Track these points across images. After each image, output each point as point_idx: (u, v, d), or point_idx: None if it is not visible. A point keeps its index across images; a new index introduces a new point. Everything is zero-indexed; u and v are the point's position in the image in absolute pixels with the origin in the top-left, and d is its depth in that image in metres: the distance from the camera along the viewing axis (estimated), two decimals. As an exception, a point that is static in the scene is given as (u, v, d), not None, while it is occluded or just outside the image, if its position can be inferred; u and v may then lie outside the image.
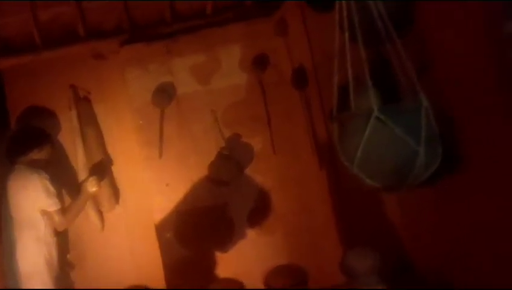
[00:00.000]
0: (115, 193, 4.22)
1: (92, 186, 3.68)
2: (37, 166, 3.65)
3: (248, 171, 4.03)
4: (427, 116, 2.33)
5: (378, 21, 2.39)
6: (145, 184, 4.04)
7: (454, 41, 2.57)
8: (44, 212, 3.55)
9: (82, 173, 4.06)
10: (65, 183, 4.04)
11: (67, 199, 3.95)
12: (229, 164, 3.94)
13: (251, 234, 3.98)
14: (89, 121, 4.17)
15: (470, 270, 2.74)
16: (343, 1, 2.40)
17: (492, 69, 2.39)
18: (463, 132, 2.61)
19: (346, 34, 2.47)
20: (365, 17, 2.49)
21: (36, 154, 3.73)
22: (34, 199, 3.55)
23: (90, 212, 4.14)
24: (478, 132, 2.52)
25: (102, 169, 4.05)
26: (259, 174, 4.04)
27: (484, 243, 2.59)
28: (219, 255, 3.97)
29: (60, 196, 3.75)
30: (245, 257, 3.93)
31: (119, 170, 4.21)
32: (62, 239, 3.86)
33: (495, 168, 2.44)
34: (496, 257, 2.54)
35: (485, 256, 2.61)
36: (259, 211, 4.02)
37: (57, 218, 3.56)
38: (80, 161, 4.13)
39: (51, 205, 3.55)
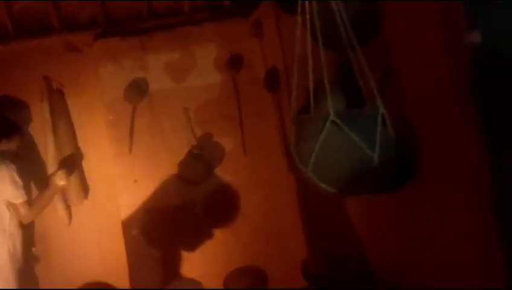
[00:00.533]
0: (84, 188, 4.23)
1: (60, 180, 3.69)
2: (5, 157, 3.66)
3: (218, 171, 4.05)
4: (383, 122, 2.36)
5: (340, 26, 2.42)
6: (114, 180, 4.04)
7: (419, 49, 2.61)
8: (10, 204, 3.56)
9: (52, 166, 4.07)
10: (34, 175, 4.06)
11: (36, 192, 3.96)
12: (199, 163, 3.96)
13: (218, 234, 3.99)
14: (61, 114, 4.18)
15: (427, 276, 2.78)
16: (306, 1, 2.44)
17: (454, 79, 2.43)
18: (425, 140, 2.65)
19: (308, 38, 2.51)
20: (330, 20, 2.53)
21: (5, 145, 3.74)
22: (0, 190, 3.55)
23: (58, 206, 4.15)
24: (439, 141, 2.57)
25: (72, 163, 4.05)
26: (228, 174, 4.06)
27: (442, 249, 2.63)
28: (185, 254, 3.98)
29: (27, 188, 3.76)
30: (211, 257, 3.95)
31: (90, 164, 4.22)
32: (28, 232, 3.87)
33: (454, 176, 2.48)
34: (453, 264, 2.58)
35: (443, 262, 2.65)
36: (227, 211, 4.04)
37: (22, 210, 3.57)
38: (49, 154, 4.14)
39: (17, 197, 3.56)
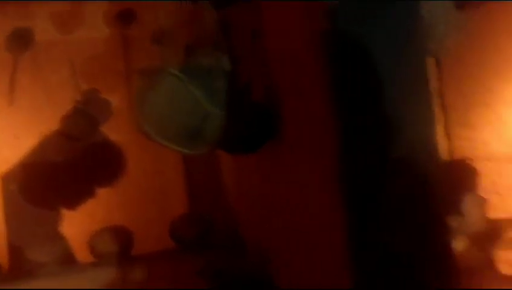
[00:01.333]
0: (-34, 140, 4.04)
1: None
2: None
3: (103, 128, 3.93)
4: (231, 80, 2.29)
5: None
6: (-5, 133, 3.88)
7: (283, 13, 2.54)
8: None
9: None
10: None
11: None
12: (84, 119, 3.85)
13: (100, 193, 3.88)
14: None
15: (289, 242, 2.75)
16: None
17: (313, 42, 2.38)
18: (286, 103, 2.60)
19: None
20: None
21: None
22: None
23: None
24: (300, 104, 2.52)
25: None
26: (114, 132, 3.95)
27: (295, 218, 2.61)
28: (66, 213, 3.86)
29: None
30: (92, 217, 3.86)
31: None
32: None
33: (309, 142, 2.45)
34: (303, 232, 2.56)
35: (296, 230, 2.63)
36: (111, 170, 3.93)
37: None
38: None
39: None
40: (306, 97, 2.48)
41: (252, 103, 2.53)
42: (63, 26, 3.92)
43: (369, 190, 2.26)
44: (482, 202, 2.91)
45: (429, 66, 3.99)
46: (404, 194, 2.31)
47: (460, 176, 3.03)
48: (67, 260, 3.54)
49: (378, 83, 2.34)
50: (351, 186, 2.25)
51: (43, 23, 3.88)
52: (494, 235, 3.03)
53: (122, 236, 3.42)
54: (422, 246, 2.32)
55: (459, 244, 2.84)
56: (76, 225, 3.84)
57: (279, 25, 2.61)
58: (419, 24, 2.51)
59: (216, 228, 3.30)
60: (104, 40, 3.97)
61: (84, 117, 3.83)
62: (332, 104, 2.30)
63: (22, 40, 3.85)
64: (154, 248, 3.45)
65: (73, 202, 3.86)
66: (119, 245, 3.33)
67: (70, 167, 3.87)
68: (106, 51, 3.96)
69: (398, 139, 2.31)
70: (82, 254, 3.66)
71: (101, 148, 3.92)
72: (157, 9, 3.88)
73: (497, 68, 3.83)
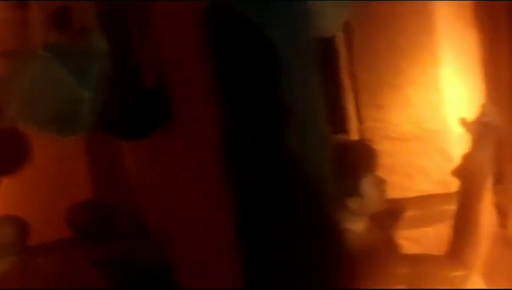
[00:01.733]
0: None
1: None
2: None
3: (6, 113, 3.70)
4: (112, 63, 2.16)
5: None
6: None
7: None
8: None
9: None
10: None
11: None
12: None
13: (3, 182, 3.67)
14: None
15: (184, 236, 2.66)
16: None
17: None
18: (175, 90, 2.49)
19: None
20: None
21: None
22: None
23: None
24: (188, 92, 2.42)
25: None
26: (18, 117, 3.73)
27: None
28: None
29: None
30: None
31: None
32: None
33: (200, 130, 2.36)
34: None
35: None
36: (17, 158, 3.72)
37: None
38: None
39: None
40: (194, 85, 2.37)
41: (140, 87, 2.42)
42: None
43: (259, 183, 2.16)
44: (381, 183, 2.87)
45: (339, 47, 3.96)
46: (297, 185, 2.22)
47: (361, 158, 2.98)
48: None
49: (269, 70, 2.23)
50: (239, 179, 2.15)
51: None
52: (394, 214, 3.02)
53: (16, 226, 3.24)
54: (317, 236, 2.24)
55: (358, 225, 2.82)
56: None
57: (170, 9, 2.49)
58: (310, 5, 2.42)
59: (118, 216, 3.18)
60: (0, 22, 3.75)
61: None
62: (221, 93, 2.19)
63: None
64: (53, 238, 3.30)
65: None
66: (13, 236, 3.16)
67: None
68: (2, 34, 3.74)
69: (290, 127, 2.22)
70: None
71: (4, 136, 3.72)
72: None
73: (405, 50, 3.85)
